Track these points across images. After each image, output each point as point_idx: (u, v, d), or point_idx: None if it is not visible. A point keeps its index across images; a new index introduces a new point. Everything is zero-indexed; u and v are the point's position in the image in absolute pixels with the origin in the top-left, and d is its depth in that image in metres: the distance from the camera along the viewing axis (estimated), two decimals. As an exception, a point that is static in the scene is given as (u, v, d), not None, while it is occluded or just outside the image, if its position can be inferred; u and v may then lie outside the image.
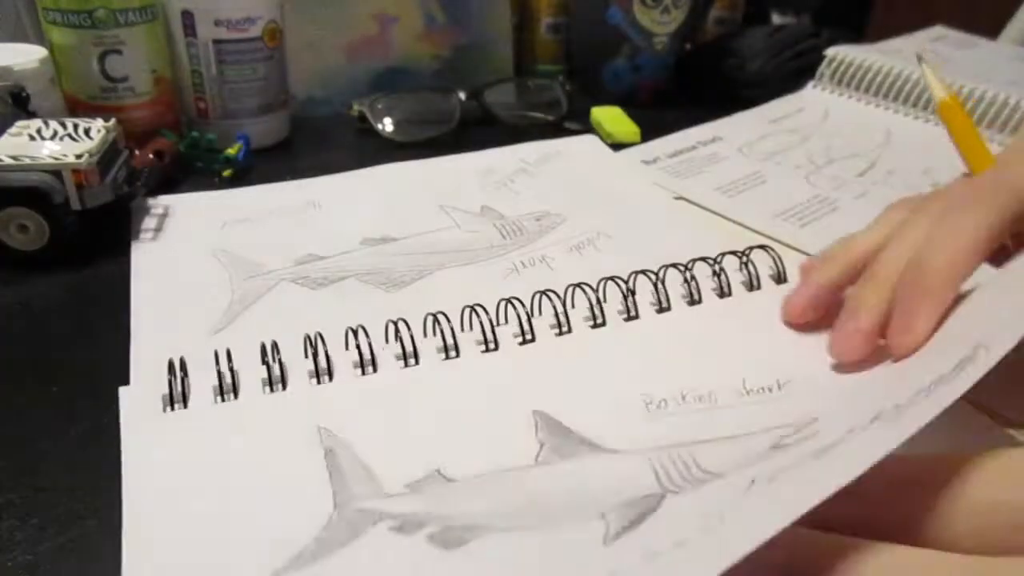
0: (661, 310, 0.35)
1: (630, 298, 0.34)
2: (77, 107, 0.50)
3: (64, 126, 0.42)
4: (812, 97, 0.66)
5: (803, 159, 0.55)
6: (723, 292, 0.36)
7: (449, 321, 0.32)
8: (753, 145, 0.57)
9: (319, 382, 0.30)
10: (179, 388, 0.29)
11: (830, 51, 0.67)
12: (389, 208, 0.46)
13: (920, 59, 0.45)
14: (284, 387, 0.30)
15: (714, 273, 0.36)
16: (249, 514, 0.25)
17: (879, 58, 0.64)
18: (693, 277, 0.36)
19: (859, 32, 0.96)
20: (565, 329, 0.33)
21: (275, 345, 0.31)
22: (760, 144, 0.57)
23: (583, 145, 0.57)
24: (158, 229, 0.44)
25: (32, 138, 0.40)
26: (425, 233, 0.44)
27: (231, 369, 0.30)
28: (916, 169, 0.53)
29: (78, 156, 0.39)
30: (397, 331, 0.32)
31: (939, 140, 0.50)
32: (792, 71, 0.68)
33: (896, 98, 0.62)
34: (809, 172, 0.53)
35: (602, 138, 0.60)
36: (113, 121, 0.44)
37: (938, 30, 0.79)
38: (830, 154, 0.56)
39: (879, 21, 1.10)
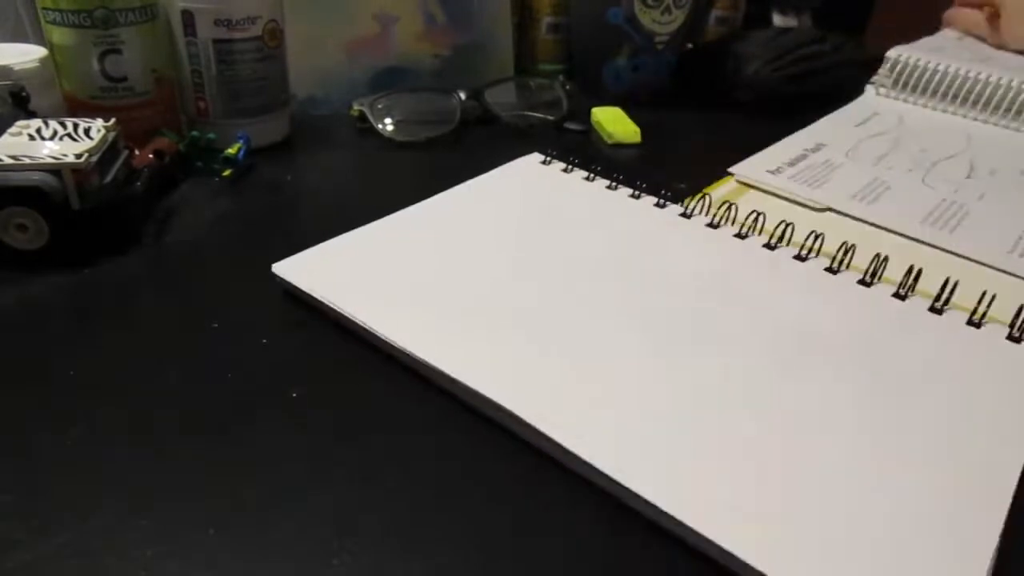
0: None
1: None
2: (77, 107, 0.50)
3: (64, 126, 0.42)
4: (876, 101, 0.68)
5: (909, 162, 0.56)
6: None
7: None
8: (856, 148, 0.58)
9: None
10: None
11: (890, 53, 0.68)
12: None
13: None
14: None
15: None
16: None
17: (943, 61, 0.66)
18: None
19: (861, 33, 0.96)
20: None
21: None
22: (861, 148, 0.59)
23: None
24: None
25: (32, 138, 0.40)
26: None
27: None
28: (1014, 169, 0.56)
29: (78, 156, 0.39)
30: None
31: (1014, 141, 0.60)
32: (791, 76, 0.68)
33: (966, 102, 0.65)
34: (923, 175, 0.54)
35: (603, 138, 0.60)
36: (113, 121, 0.44)
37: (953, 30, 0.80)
38: (929, 157, 0.58)
39: (878, 21, 1.09)
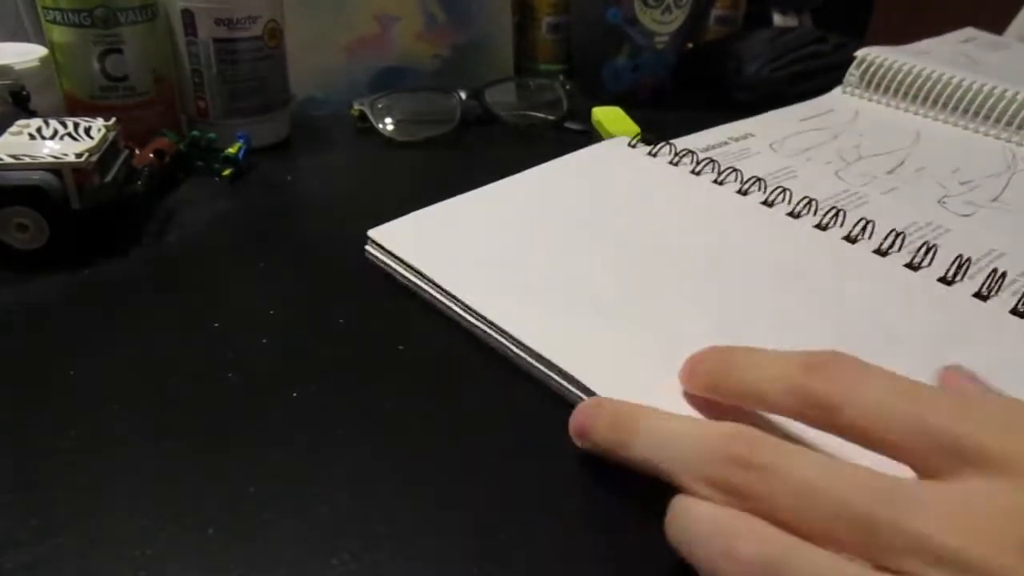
0: None
1: None
2: (77, 106, 0.50)
3: (64, 125, 0.42)
4: (841, 99, 0.67)
5: (833, 156, 0.56)
6: None
7: None
8: (784, 142, 0.58)
9: None
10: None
11: (860, 53, 0.66)
12: None
13: None
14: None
15: None
16: None
17: (908, 60, 0.64)
18: None
19: (861, 33, 0.96)
20: None
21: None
22: (791, 141, 0.58)
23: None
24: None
25: (32, 137, 0.40)
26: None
27: None
28: (946, 167, 0.54)
29: (78, 155, 0.39)
30: None
31: (970, 141, 0.57)
32: (791, 76, 0.68)
33: (926, 101, 0.63)
34: (839, 168, 0.54)
35: (603, 138, 0.60)
36: (113, 120, 0.44)
37: (968, 32, 0.79)
38: (860, 152, 0.57)
39: (878, 22, 1.09)
